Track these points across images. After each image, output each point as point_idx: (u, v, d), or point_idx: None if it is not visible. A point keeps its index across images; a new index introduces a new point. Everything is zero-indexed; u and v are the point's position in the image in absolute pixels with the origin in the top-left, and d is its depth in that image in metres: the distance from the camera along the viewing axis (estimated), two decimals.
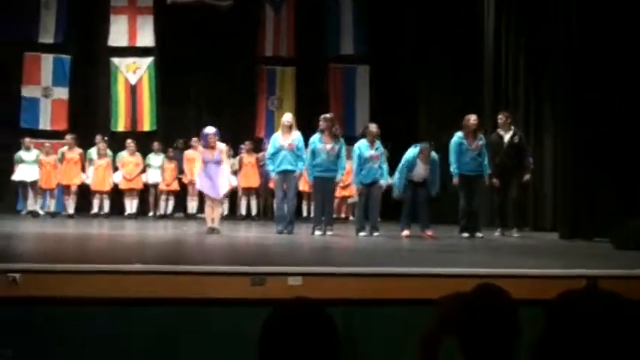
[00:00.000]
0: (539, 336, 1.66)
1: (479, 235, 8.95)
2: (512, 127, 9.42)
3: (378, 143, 9.05)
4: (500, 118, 9.42)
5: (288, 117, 9.25)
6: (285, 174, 8.97)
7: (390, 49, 13.47)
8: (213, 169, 8.86)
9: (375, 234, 8.85)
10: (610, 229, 7.70)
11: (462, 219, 9.05)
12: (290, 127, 9.02)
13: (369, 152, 8.92)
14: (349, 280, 4.62)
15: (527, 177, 9.38)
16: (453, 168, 9.01)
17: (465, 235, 8.93)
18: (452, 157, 9.00)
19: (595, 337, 1.55)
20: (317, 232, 8.90)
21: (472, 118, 9.08)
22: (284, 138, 8.97)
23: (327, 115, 9.17)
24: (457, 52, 12.19)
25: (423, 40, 12.97)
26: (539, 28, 10.51)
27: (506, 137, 9.32)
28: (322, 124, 8.92)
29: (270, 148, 9.14)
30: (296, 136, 8.99)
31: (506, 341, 1.84)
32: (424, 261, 6.02)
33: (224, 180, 8.98)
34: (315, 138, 8.90)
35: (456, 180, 9.01)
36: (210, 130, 8.95)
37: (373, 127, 9.14)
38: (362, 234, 8.88)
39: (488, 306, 1.87)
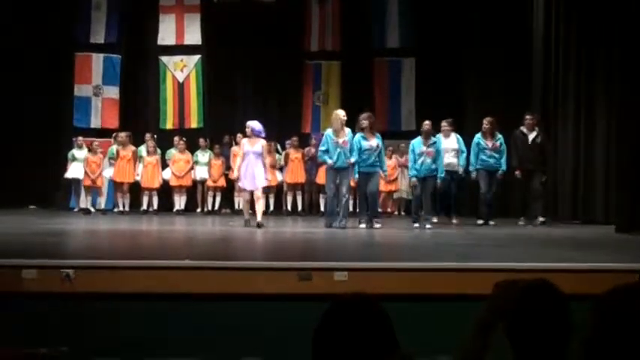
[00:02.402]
0: (590, 331, 1.64)
1: (491, 223, 9.90)
2: (537, 128, 10.22)
3: (433, 139, 9.63)
4: (529, 118, 10.22)
5: (342, 114, 9.47)
6: (340, 170, 9.23)
7: (436, 42, 13.32)
8: (253, 160, 9.34)
9: (428, 226, 9.32)
10: None
11: (480, 208, 10.10)
12: (343, 125, 9.32)
13: (421, 148, 9.49)
14: (394, 276, 4.60)
15: (543, 178, 10.24)
16: (472, 164, 10.11)
17: (481, 222, 9.95)
18: (472, 155, 10.10)
19: None
20: (362, 225, 9.25)
21: (485, 121, 10.13)
22: (339, 135, 9.25)
23: (366, 114, 9.57)
24: (505, 43, 12.00)
25: (469, 32, 12.80)
26: (591, 15, 10.26)
27: (531, 136, 10.19)
28: (364, 123, 9.31)
29: (322, 145, 9.42)
30: (348, 132, 9.29)
31: (556, 336, 1.82)
32: (471, 255, 5.95)
33: (261, 172, 9.40)
34: (358, 137, 9.25)
35: (474, 175, 10.11)
36: (250, 122, 9.65)
37: (426, 125, 9.71)
38: (415, 225, 9.43)
39: (538, 299, 1.85)
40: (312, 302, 4.19)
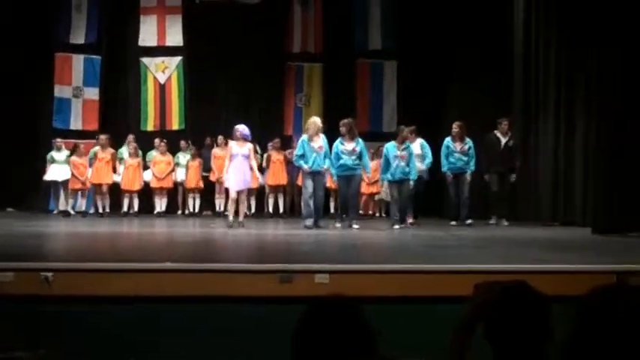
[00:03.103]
0: (570, 333, 1.64)
1: (468, 222, 10.29)
2: (509, 133, 10.76)
3: (406, 143, 9.94)
4: (504, 123, 10.72)
5: (319, 120, 10.01)
6: (315, 174, 9.66)
7: (418, 45, 13.37)
8: (242, 162, 9.73)
9: (401, 226, 9.73)
10: None
11: (451, 210, 10.67)
12: (319, 131, 9.76)
13: (395, 152, 9.79)
14: (376, 278, 4.61)
15: (512, 176, 10.76)
16: (443, 166, 10.59)
17: (454, 223, 10.34)
18: (442, 158, 10.58)
19: (626, 333, 1.53)
20: (338, 225, 9.80)
21: (455, 125, 10.64)
22: (314, 141, 9.66)
23: (346, 120, 9.92)
24: (486, 47, 12.07)
25: (451, 34, 12.86)
26: (571, 16, 10.35)
27: (503, 140, 10.70)
28: (342, 129, 9.76)
29: (298, 150, 9.79)
30: (323, 138, 9.75)
31: (536, 337, 1.83)
32: (452, 257, 5.98)
33: (249, 174, 9.85)
34: (337, 141, 9.72)
35: (449, 176, 10.56)
36: (239, 126, 9.99)
37: (405, 132, 10.09)
38: (395, 227, 9.67)
39: (518, 301, 1.86)
40: (294, 305, 4.18)
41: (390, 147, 9.86)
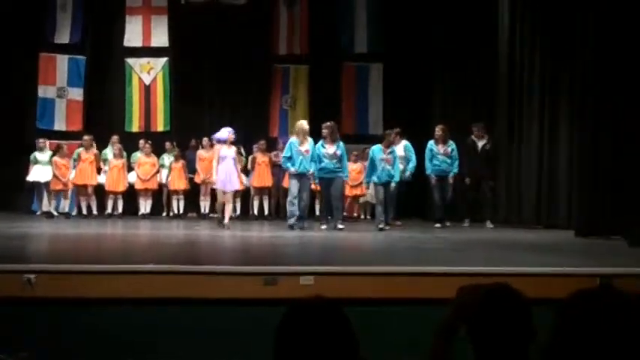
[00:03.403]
0: (551, 335, 1.66)
1: (448, 224, 10.51)
2: (486, 136, 11.00)
3: (392, 147, 10.19)
4: (477, 128, 11.01)
5: (305, 123, 10.31)
6: (301, 177, 9.93)
7: (403, 48, 13.40)
8: (231, 164, 10.11)
9: (387, 227, 9.92)
10: (627, 227, 7.64)
11: (435, 212, 10.79)
12: (306, 134, 10.07)
13: (381, 155, 9.99)
14: (360, 280, 4.62)
15: (490, 182, 11.01)
16: (427, 168, 10.79)
17: (438, 225, 10.46)
18: (426, 161, 10.79)
19: (607, 337, 1.54)
20: (323, 227, 10.02)
21: (437, 129, 10.86)
22: (302, 145, 9.93)
23: (328, 123, 10.12)
24: (472, 50, 12.12)
25: (436, 38, 12.91)
26: (556, 20, 10.42)
27: (480, 144, 10.98)
28: (324, 132, 10.00)
29: (286, 152, 10.06)
30: (310, 142, 10.03)
31: (518, 340, 1.84)
32: (436, 259, 6.01)
33: (236, 175, 10.25)
34: (319, 144, 9.97)
35: (432, 178, 10.74)
36: (229, 129, 10.34)
37: (392, 136, 10.39)
38: (380, 227, 9.85)
39: (500, 303, 1.87)
40: (278, 307, 4.18)
41: (377, 150, 10.05)
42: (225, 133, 10.25)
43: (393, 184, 10.07)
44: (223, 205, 10.15)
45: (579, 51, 9.44)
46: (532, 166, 10.91)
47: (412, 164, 10.97)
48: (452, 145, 10.79)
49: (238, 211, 12.64)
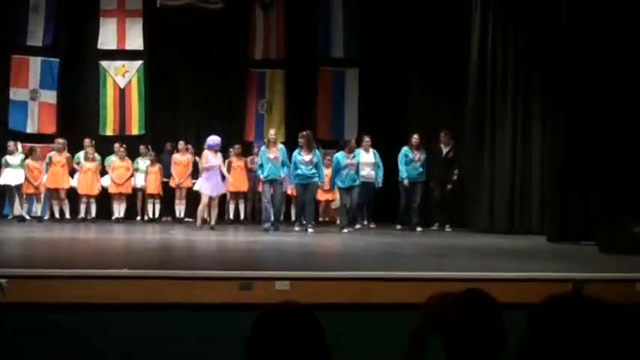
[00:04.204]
0: (523, 341, 1.67)
1: (418, 229, 10.98)
2: (452, 142, 11.53)
3: (355, 152, 11.01)
4: (443, 135, 11.57)
5: (272, 133, 11.06)
6: (272, 182, 10.60)
7: (379, 53, 13.47)
8: (217, 171, 10.82)
9: (349, 229, 10.54)
10: (598, 233, 7.74)
11: (399, 215, 11.37)
12: (275, 142, 10.77)
13: (345, 161, 10.75)
14: (336, 285, 4.63)
15: (448, 186, 11.55)
16: (402, 173, 11.20)
17: (399, 227, 11.18)
18: (400, 166, 11.21)
19: (579, 342, 1.56)
20: (297, 228, 10.64)
21: (414, 137, 11.36)
22: (270, 152, 10.62)
23: (304, 132, 10.73)
24: (447, 53, 12.20)
25: (412, 43, 12.99)
26: (527, 23, 10.52)
27: (445, 150, 11.56)
28: (300, 141, 10.63)
29: (259, 160, 10.83)
30: (280, 149, 10.71)
31: (491, 345, 1.86)
32: (411, 264, 6.04)
33: (221, 180, 10.95)
34: (295, 152, 10.61)
35: (406, 182, 11.16)
36: (216, 137, 10.93)
37: (352, 142, 11.26)
38: (344, 231, 10.44)
39: (472, 308, 1.89)
40: (253, 312, 4.17)
41: (340, 156, 10.76)
42: (217, 140, 10.84)
43: (357, 189, 10.75)
44: (205, 208, 10.87)
45: (551, 50, 9.54)
46: (504, 172, 10.94)
47: (381, 172, 11.46)
48: (424, 153, 11.39)
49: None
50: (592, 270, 5.52)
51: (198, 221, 10.73)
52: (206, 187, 10.75)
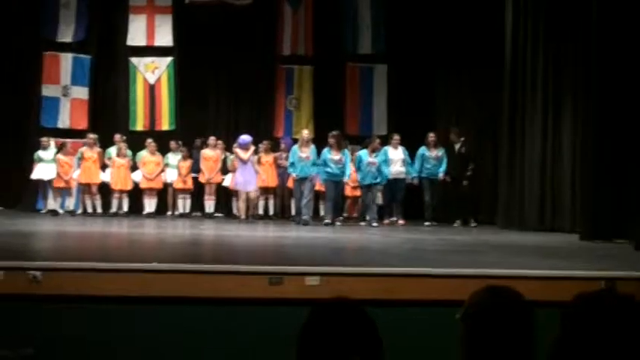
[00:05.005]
0: (556, 339, 1.66)
1: (432, 223, 11.35)
2: (462, 139, 11.72)
3: (378, 151, 11.41)
4: (453, 131, 11.84)
5: (306, 132, 11.74)
6: (303, 179, 11.12)
7: (407, 48, 13.39)
8: (249, 167, 11.54)
9: (375, 224, 11.02)
10: (632, 230, 7.62)
11: (426, 212, 11.64)
12: (307, 142, 11.36)
13: (368, 159, 11.28)
14: (366, 280, 4.63)
15: (464, 182, 11.58)
16: (415, 171, 11.71)
17: (427, 224, 11.34)
18: (416, 164, 11.72)
19: (611, 340, 1.55)
20: (326, 221, 11.02)
21: (429, 135, 11.79)
22: (302, 151, 11.18)
23: (334, 133, 11.29)
24: (476, 50, 12.09)
25: (440, 37, 12.90)
26: (560, 20, 10.39)
27: (456, 147, 11.74)
28: (330, 141, 11.17)
29: (290, 158, 11.34)
30: (312, 148, 11.28)
31: (521, 343, 1.82)
32: (440, 261, 6.01)
33: (255, 176, 11.68)
34: (325, 150, 11.14)
35: (416, 181, 11.72)
36: (248, 136, 11.73)
37: (376, 141, 11.61)
38: (362, 223, 11.25)
39: (502, 306, 1.85)
40: (283, 307, 4.19)
41: (363, 154, 11.32)
42: (247, 138, 11.58)
43: (378, 187, 11.34)
44: (245, 202, 11.74)
45: (583, 47, 9.42)
46: (536, 170, 10.84)
47: (412, 168, 11.74)
48: (442, 150, 11.75)
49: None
50: (626, 268, 5.44)
51: (242, 215, 11.62)
52: (239, 182, 11.51)
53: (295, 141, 12.32)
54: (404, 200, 11.79)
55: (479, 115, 12.33)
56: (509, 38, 11.34)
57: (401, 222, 11.58)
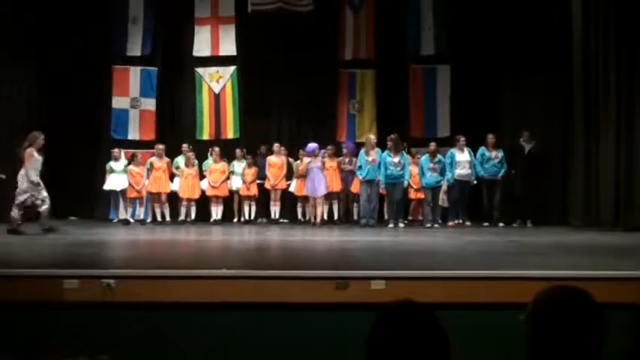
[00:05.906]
0: (629, 341, 1.61)
1: (500, 224, 11.53)
2: (533, 141, 11.83)
3: (438, 157, 11.74)
4: (524, 134, 11.89)
5: (372, 137, 12.01)
6: (370, 182, 11.53)
7: (471, 48, 13.22)
8: (316, 173, 11.99)
9: (436, 225, 11.50)
10: None
11: (486, 212, 11.85)
12: (373, 146, 11.69)
13: (428, 165, 11.67)
14: (433, 284, 4.59)
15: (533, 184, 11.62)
16: (476, 173, 11.89)
17: (486, 224, 11.61)
18: (476, 166, 11.91)
19: None
20: (390, 225, 11.30)
21: (490, 136, 11.99)
22: (369, 155, 11.60)
23: (392, 136, 11.64)
24: (540, 49, 11.87)
25: (504, 38, 12.69)
26: (630, 19, 10.12)
27: (527, 148, 11.85)
28: (389, 144, 11.56)
29: (358, 162, 11.78)
30: (378, 152, 11.62)
31: (589, 345, 1.78)
32: (510, 263, 5.91)
33: (323, 182, 12.05)
34: (384, 153, 11.56)
35: (474, 182, 11.89)
36: (315, 144, 12.31)
37: (432, 145, 11.90)
38: (427, 225, 11.47)
39: (571, 307, 1.81)
40: (349, 311, 4.20)
41: (424, 160, 11.66)
42: (313, 146, 12.12)
43: (444, 187, 11.72)
44: (314, 208, 12.07)
45: None
46: (610, 169, 10.62)
47: (474, 170, 11.95)
48: (501, 151, 11.92)
49: (308, 216, 12.75)
50: None
51: (318, 219, 11.98)
52: (309, 188, 11.95)
53: (357, 145, 12.37)
54: (469, 202, 11.96)
55: (545, 115, 12.11)
56: (578, 43, 11.15)
57: (467, 223, 11.71)
